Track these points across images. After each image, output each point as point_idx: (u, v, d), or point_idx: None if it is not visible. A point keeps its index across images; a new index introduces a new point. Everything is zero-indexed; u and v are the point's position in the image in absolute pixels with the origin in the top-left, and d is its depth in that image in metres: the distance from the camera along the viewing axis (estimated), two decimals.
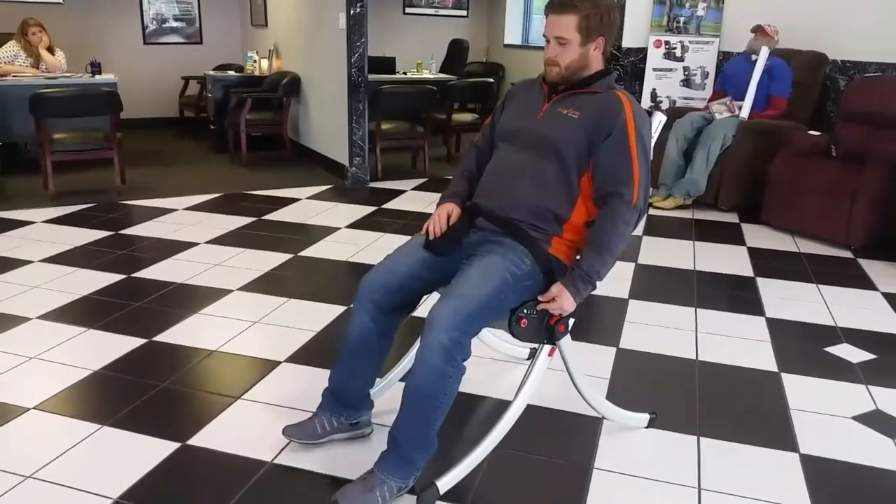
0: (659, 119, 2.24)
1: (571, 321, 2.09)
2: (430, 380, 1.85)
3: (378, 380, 2.34)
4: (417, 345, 1.94)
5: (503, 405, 2.12)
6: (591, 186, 2.04)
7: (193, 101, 8.06)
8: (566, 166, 2.03)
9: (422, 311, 2.09)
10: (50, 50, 6.40)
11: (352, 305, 2.14)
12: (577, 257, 2.06)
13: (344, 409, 2.22)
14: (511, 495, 2.06)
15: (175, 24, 8.43)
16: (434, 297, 1.99)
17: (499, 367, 2.77)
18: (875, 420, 2.49)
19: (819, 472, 2.18)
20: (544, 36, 2.08)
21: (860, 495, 2.11)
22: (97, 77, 6.29)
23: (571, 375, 2.22)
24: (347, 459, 2.17)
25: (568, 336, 2.13)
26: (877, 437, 2.39)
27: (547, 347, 2.10)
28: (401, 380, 2.33)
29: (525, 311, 1.98)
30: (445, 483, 1.98)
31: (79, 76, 6.30)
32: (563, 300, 1.96)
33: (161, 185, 5.66)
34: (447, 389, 1.88)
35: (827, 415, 2.52)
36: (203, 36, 8.57)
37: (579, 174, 2.04)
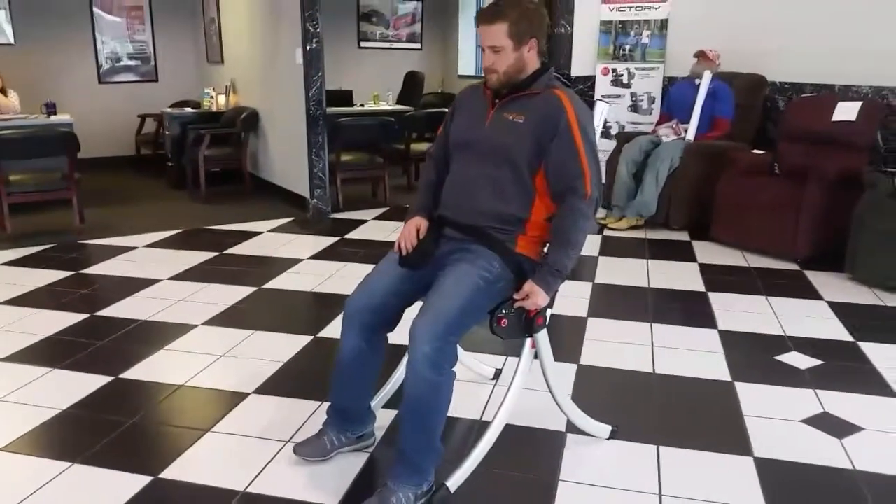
0: (601, 108, 2.36)
1: (549, 312, 2.21)
2: (422, 390, 1.96)
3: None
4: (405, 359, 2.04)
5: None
6: (545, 185, 2.14)
7: (150, 138, 8.06)
8: (519, 171, 2.13)
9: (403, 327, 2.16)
10: (3, 91, 6.38)
11: (340, 327, 2.23)
12: (545, 250, 2.17)
13: (349, 424, 2.33)
14: None
15: (130, 62, 8.43)
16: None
17: (464, 388, 2.83)
18: (823, 422, 2.62)
19: (772, 473, 2.29)
20: (479, 46, 2.17)
21: (812, 493, 2.22)
22: (53, 118, 6.27)
23: (544, 369, 2.32)
24: (319, 484, 2.22)
25: (545, 330, 2.24)
26: (825, 438, 2.51)
27: (529, 342, 2.24)
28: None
29: (503, 310, 2.09)
30: (454, 482, 2.11)
31: (34, 117, 6.28)
32: (536, 296, 2.07)
33: (120, 223, 5.64)
34: (440, 396, 1.99)
35: (778, 419, 2.64)
36: (158, 73, 8.58)
37: (533, 175, 2.14)
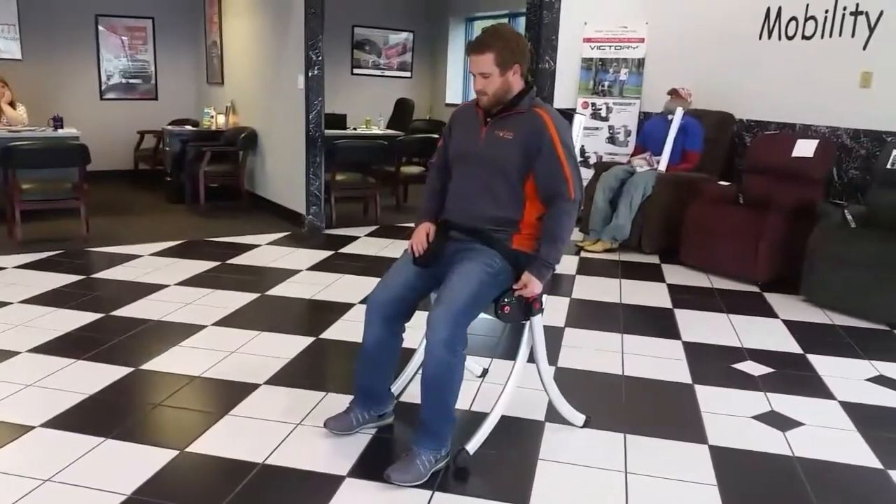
0: (579, 120, 2.73)
1: (544, 298, 2.58)
2: (438, 369, 2.32)
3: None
4: (420, 352, 2.44)
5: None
6: (535, 190, 2.49)
7: (149, 154, 8.35)
8: (511, 180, 2.49)
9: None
10: (11, 104, 6.65)
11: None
12: (538, 247, 2.51)
13: (373, 403, 2.68)
14: (471, 482, 2.44)
15: (132, 80, 8.75)
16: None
17: None
18: (770, 418, 2.98)
19: (724, 457, 2.65)
20: (471, 72, 2.53)
21: (756, 473, 2.57)
22: (59, 131, 6.55)
23: (535, 349, 2.67)
24: (330, 457, 2.54)
25: (541, 319, 2.62)
26: (771, 430, 2.88)
27: (525, 341, 2.64)
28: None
29: (505, 299, 2.45)
30: (472, 446, 2.49)
31: (42, 129, 6.56)
32: (532, 285, 2.44)
33: (124, 233, 5.91)
34: (454, 374, 2.36)
35: (731, 416, 3.00)
36: (158, 92, 8.90)
37: (523, 183, 2.49)
